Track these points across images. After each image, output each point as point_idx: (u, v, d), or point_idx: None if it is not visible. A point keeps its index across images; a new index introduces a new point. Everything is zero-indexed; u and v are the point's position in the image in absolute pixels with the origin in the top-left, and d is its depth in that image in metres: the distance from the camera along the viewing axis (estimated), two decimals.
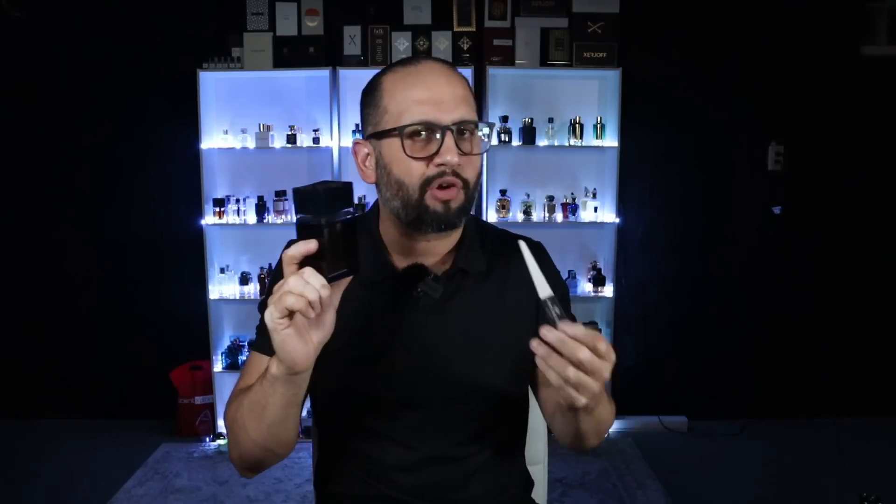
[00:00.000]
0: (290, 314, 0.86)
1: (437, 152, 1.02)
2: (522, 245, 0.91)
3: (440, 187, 1.04)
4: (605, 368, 0.84)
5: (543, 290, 0.87)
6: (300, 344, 0.89)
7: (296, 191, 0.87)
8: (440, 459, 1.13)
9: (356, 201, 3.38)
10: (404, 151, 1.03)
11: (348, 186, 0.89)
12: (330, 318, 0.92)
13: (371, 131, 1.09)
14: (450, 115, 1.03)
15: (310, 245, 0.85)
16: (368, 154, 1.11)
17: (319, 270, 0.86)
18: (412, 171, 1.04)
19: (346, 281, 0.92)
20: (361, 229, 1.16)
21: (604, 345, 0.83)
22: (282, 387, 0.93)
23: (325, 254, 0.86)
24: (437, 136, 1.03)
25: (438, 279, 1.12)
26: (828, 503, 2.79)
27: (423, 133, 1.03)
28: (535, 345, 0.84)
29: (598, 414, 0.97)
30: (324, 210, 0.86)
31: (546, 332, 0.83)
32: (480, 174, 1.11)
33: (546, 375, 0.85)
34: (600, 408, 0.95)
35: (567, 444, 1.11)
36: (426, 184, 1.04)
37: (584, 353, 0.82)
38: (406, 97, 1.04)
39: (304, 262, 0.87)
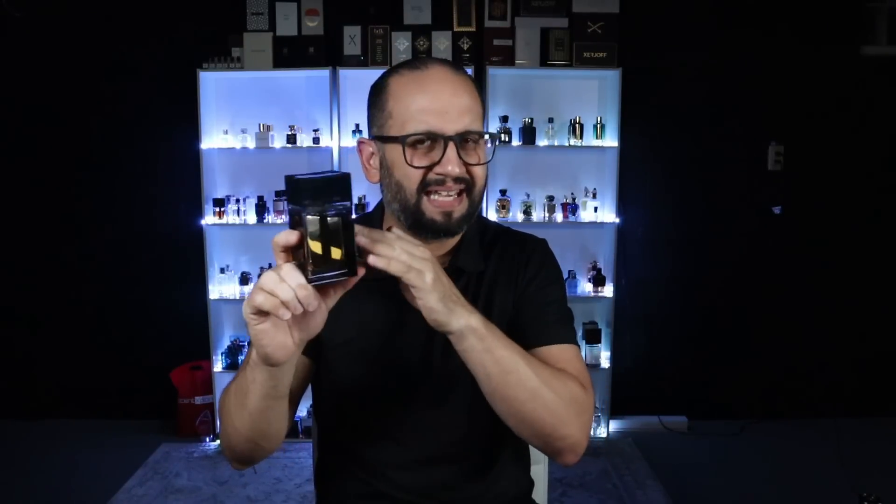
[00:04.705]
0: (263, 312, 0.82)
1: (439, 162, 1.02)
2: None
3: (439, 194, 1.04)
4: (417, 247, 0.90)
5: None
6: (279, 337, 0.85)
7: (287, 178, 0.81)
8: (437, 459, 1.14)
9: (355, 201, 3.40)
10: (405, 159, 1.03)
11: (343, 177, 0.81)
12: (317, 320, 0.87)
13: (376, 133, 1.09)
14: (453, 126, 1.02)
15: (290, 237, 0.80)
16: (373, 153, 1.11)
17: (303, 268, 0.79)
18: (412, 175, 1.04)
19: (349, 282, 0.86)
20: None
21: (396, 229, 0.92)
22: (261, 375, 0.92)
23: (306, 250, 0.79)
24: (440, 146, 1.02)
25: None
26: (828, 503, 2.79)
27: (426, 142, 1.03)
28: (359, 239, 0.87)
29: (496, 348, 0.94)
30: (306, 202, 0.78)
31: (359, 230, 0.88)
32: (486, 180, 1.10)
33: (390, 269, 0.88)
34: (490, 340, 0.94)
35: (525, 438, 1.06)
36: (425, 187, 1.04)
37: (390, 235, 0.89)
38: (410, 104, 1.03)
39: (296, 257, 0.81)
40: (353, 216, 0.85)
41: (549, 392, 0.98)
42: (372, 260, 0.86)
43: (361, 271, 0.85)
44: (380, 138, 1.08)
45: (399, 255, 0.87)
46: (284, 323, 0.84)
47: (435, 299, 0.90)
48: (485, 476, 1.16)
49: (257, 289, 0.80)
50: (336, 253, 0.80)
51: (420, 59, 1.09)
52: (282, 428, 1.02)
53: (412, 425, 1.13)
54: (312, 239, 0.78)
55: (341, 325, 1.09)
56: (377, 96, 1.09)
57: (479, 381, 0.98)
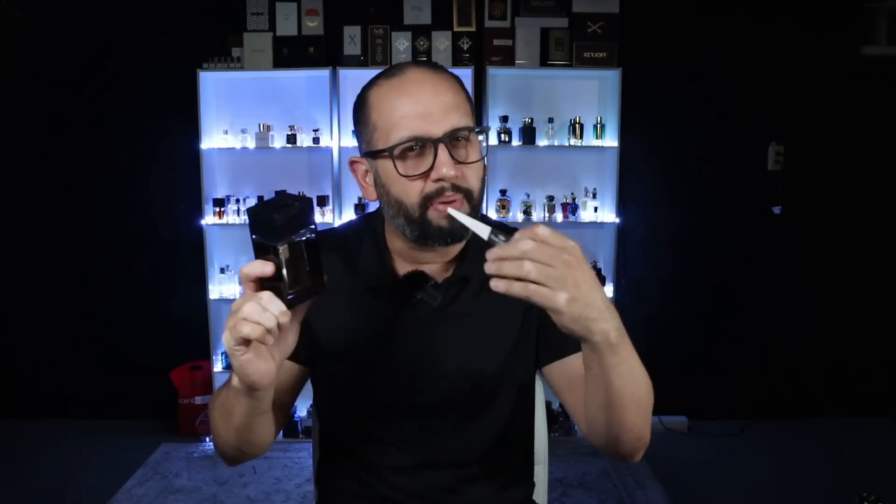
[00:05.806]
0: (247, 341, 0.82)
1: (432, 167, 0.98)
2: (453, 212, 0.89)
3: (442, 202, 0.99)
4: (561, 253, 0.78)
5: (483, 231, 0.85)
6: (261, 364, 0.86)
7: (249, 211, 0.83)
8: (437, 463, 1.13)
9: (355, 201, 3.40)
10: (398, 172, 0.99)
11: (306, 206, 0.83)
12: (293, 335, 0.88)
13: (365, 149, 1.05)
14: (440, 127, 0.98)
15: (265, 268, 0.81)
16: (367, 171, 1.07)
17: (278, 293, 0.81)
18: (410, 190, 1.00)
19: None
20: (367, 233, 1.14)
21: (542, 230, 0.78)
22: (244, 398, 0.92)
23: (283, 277, 0.81)
24: (430, 150, 0.98)
25: (438, 287, 1.09)
26: (828, 503, 2.79)
27: (415, 149, 0.99)
28: (487, 267, 0.79)
29: (625, 360, 0.88)
30: (278, 235, 0.80)
31: (489, 253, 0.80)
32: (484, 179, 1.06)
33: (511, 292, 0.78)
34: (623, 352, 0.87)
35: (603, 440, 1.01)
36: (426, 200, 1.00)
37: (526, 244, 0.77)
38: (393, 112, 0.99)
39: (263, 281, 0.83)
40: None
41: (647, 398, 0.97)
42: (493, 284, 0.79)
43: (326, 283, 0.86)
44: (369, 154, 1.04)
45: (529, 272, 0.77)
46: (265, 349, 0.85)
47: (567, 319, 0.80)
48: (487, 481, 1.16)
49: (241, 320, 0.80)
50: (307, 275, 0.84)
51: (396, 65, 1.04)
52: (268, 437, 1.03)
53: (413, 430, 1.12)
54: (286, 267, 0.81)
55: (339, 332, 1.08)
56: (360, 111, 1.05)
57: (593, 388, 0.94)
